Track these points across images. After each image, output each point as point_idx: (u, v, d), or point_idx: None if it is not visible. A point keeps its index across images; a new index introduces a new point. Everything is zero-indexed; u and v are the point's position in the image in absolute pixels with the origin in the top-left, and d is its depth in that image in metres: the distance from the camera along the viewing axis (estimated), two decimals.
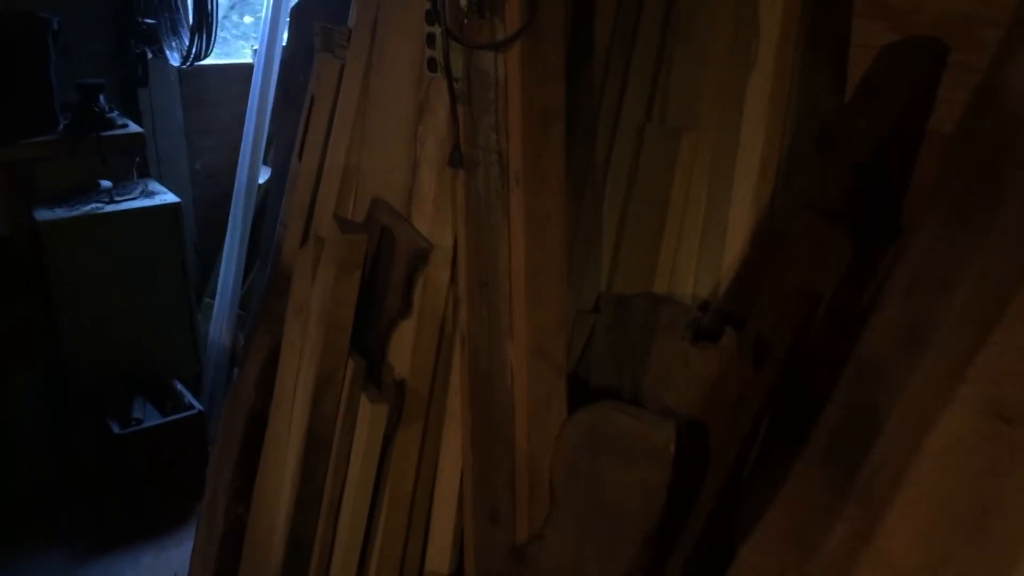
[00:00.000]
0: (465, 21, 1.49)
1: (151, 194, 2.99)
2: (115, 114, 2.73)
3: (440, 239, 1.73)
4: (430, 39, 1.55)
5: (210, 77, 3.38)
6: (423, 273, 1.74)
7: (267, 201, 3.26)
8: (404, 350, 1.77)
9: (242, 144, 3.16)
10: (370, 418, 1.74)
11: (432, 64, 1.56)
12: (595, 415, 1.55)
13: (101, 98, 2.66)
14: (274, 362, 2.01)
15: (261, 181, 3.22)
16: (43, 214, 2.78)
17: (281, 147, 2.86)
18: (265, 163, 3.26)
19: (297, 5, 2.83)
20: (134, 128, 2.77)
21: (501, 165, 1.50)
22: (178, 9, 3.11)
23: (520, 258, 1.50)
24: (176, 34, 3.09)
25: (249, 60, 3.50)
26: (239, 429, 2.06)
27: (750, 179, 1.70)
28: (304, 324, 1.87)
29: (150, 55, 3.03)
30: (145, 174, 3.27)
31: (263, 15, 3.15)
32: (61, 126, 2.66)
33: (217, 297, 3.14)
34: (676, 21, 1.75)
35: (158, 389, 2.93)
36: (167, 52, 3.08)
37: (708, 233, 1.76)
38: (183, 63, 2.99)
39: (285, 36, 3.13)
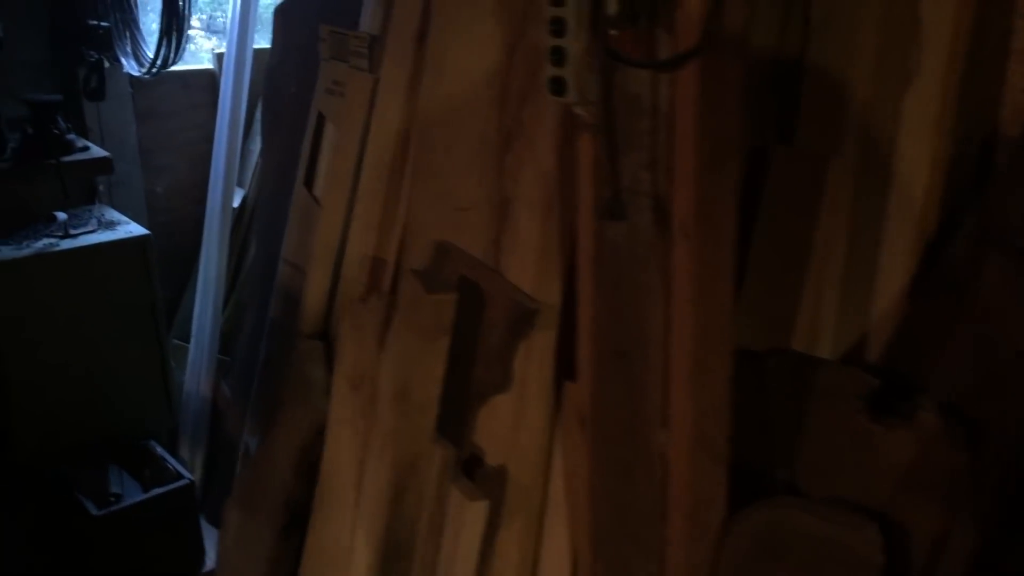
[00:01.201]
0: (612, 32, 1.17)
1: (111, 225, 2.57)
2: (72, 135, 2.30)
3: (546, 295, 1.42)
4: (557, 54, 1.23)
5: (164, 86, 2.95)
6: (527, 337, 1.42)
7: (248, 229, 2.87)
8: (501, 431, 1.45)
9: (212, 164, 2.76)
10: (466, 518, 1.41)
11: (559, 85, 1.24)
12: (773, 514, 1.27)
13: (58, 117, 2.23)
14: (317, 443, 1.66)
15: (235, 204, 2.83)
16: None
17: (270, 168, 2.48)
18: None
19: (284, 5, 2.45)
20: (98, 151, 2.35)
21: (657, 211, 1.20)
22: (131, 9, 2.68)
23: (685, 326, 1.20)
24: (131, 38, 2.66)
25: (208, 65, 3.09)
26: (270, 524, 1.71)
27: (909, 214, 1.43)
28: (367, 401, 1.52)
29: (107, 63, 2.60)
30: (92, 198, 2.84)
31: (229, 13, 2.75)
32: (8, 151, 2.23)
33: (192, 341, 2.73)
34: (812, 22, 1.47)
35: (132, 453, 2.52)
36: (122, 59, 2.65)
37: (850, 278, 1.48)
38: (148, 71, 2.56)
39: (255, 37, 2.74)
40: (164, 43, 2.44)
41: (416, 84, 1.76)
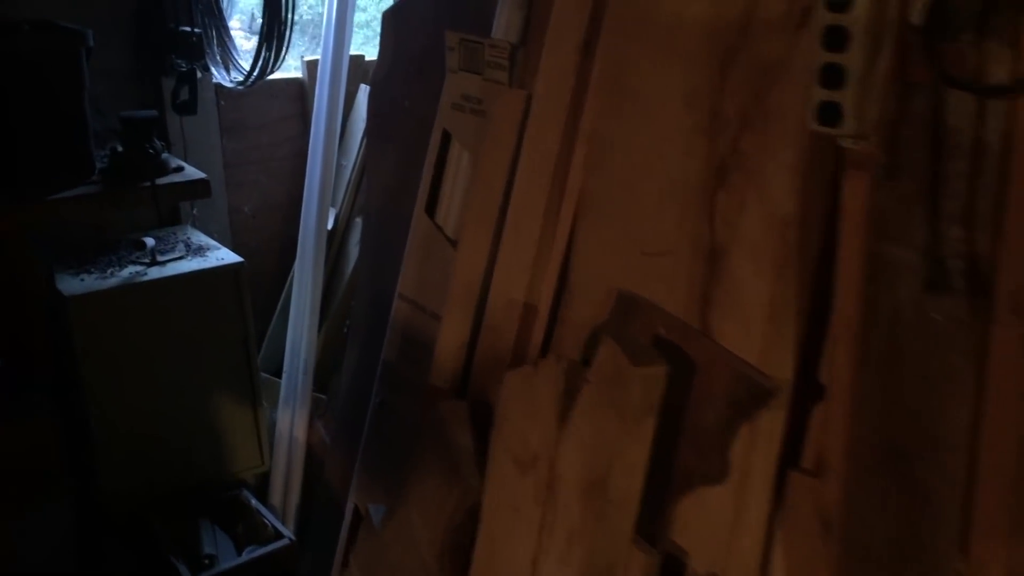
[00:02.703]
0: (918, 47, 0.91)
1: (200, 250, 2.35)
2: (167, 155, 2.07)
3: (777, 368, 1.15)
4: (832, 73, 0.96)
5: (250, 96, 2.73)
6: (752, 419, 1.15)
7: (340, 252, 2.64)
8: (714, 531, 1.18)
9: (307, 183, 2.53)
10: None
11: (832, 112, 0.97)
12: None
13: (154, 138, 2.00)
14: (467, 527, 1.41)
15: (329, 227, 2.59)
16: (68, 284, 2.12)
17: (377, 190, 2.24)
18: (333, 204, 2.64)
19: (395, 8, 2.21)
20: (194, 172, 2.11)
21: (972, 279, 0.93)
22: (221, 15, 2.46)
23: (1007, 430, 0.93)
24: (221, 45, 2.44)
25: (296, 74, 2.86)
26: None
27: None
28: (542, 487, 1.27)
29: (199, 75, 2.37)
30: (175, 219, 2.62)
31: (324, 15, 2.51)
32: (96, 171, 2.00)
33: (284, 376, 2.50)
34: None
35: (222, 502, 2.29)
36: (213, 69, 2.42)
37: None
38: (243, 82, 2.33)
39: (351, 42, 2.51)
40: (264, 50, 2.21)
41: (580, 102, 1.50)
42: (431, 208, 1.94)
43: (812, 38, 0.99)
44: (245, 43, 3.13)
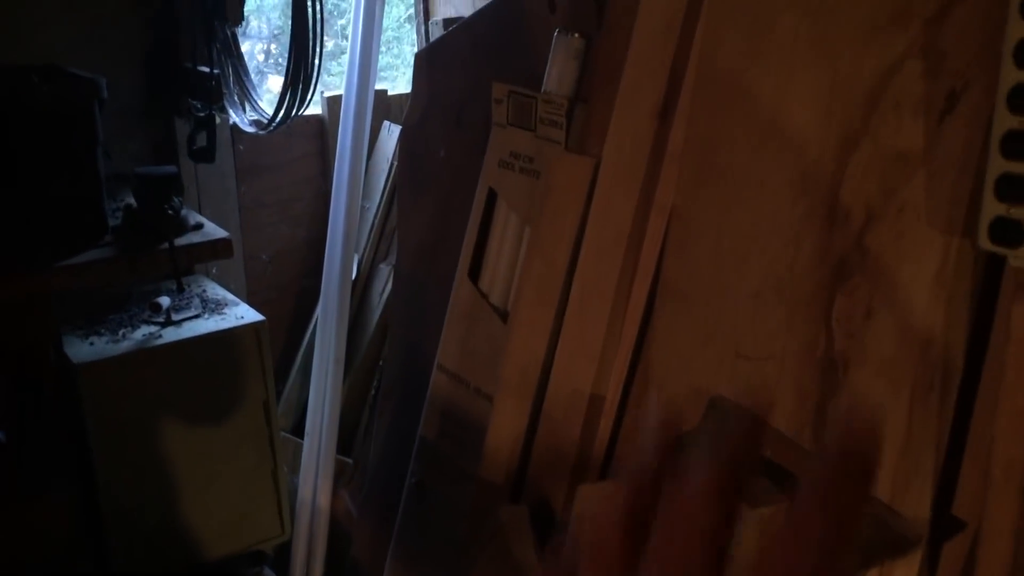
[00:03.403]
0: None
1: (217, 307, 2.19)
2: (186, 210, 1.91)
3: (913, 508, 0.99)
4: (1011, 187, 0.81)
5: (267, 136, 2.57)
6: (884, 566, 0.99)
7: (362, 303, 2.48)
8: None
9: (329, 232, 2.37)
10: None
11: (1012, 231, 0.81)
12: None
13: (173, 195, 1.84)
14: None
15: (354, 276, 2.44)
16: (77, 349, 1.96)
17: (410, 245, 2.08)
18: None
19: (429, 50, 2.05)
20: (214, 230, 1.95)
21: None
22: (240, 54, 2.30)
23: None
24: (240, 87, 2.28)
25: (316, 110, 2.70)
26: None
27: None
28: None
29: (217, 119, 2.21)
30: (190, 270, 2.45)
31: (348, 52, 2.36)
32: (110, 230, 1.84)
33: (307, 440, 2.34)
34: None
35: None
36: (232, 112, 2.26)
37: None
38: (266, 128, 2.17)
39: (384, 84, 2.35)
40: (289, 94, 2.05)
41: (656, 173, 1.34)
42: (474, 273, 1.78)
43: (964, 132, 0.83)
44: (258, 56, 2.97)
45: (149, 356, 1.98)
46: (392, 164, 2.57)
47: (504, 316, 1.65)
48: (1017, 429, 0.88)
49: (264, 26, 2.95)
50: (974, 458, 0.98)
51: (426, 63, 2.04)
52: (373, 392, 2.36)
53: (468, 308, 1.76)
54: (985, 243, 0.84)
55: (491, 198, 1.76)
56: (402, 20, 3.09)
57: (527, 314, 1.50)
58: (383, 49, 3.21)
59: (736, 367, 1.17)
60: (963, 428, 0.99)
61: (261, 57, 3.00)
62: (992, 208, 0.82)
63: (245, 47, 2.83)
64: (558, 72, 1.64)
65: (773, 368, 1.12)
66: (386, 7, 2.38)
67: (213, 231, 1.91)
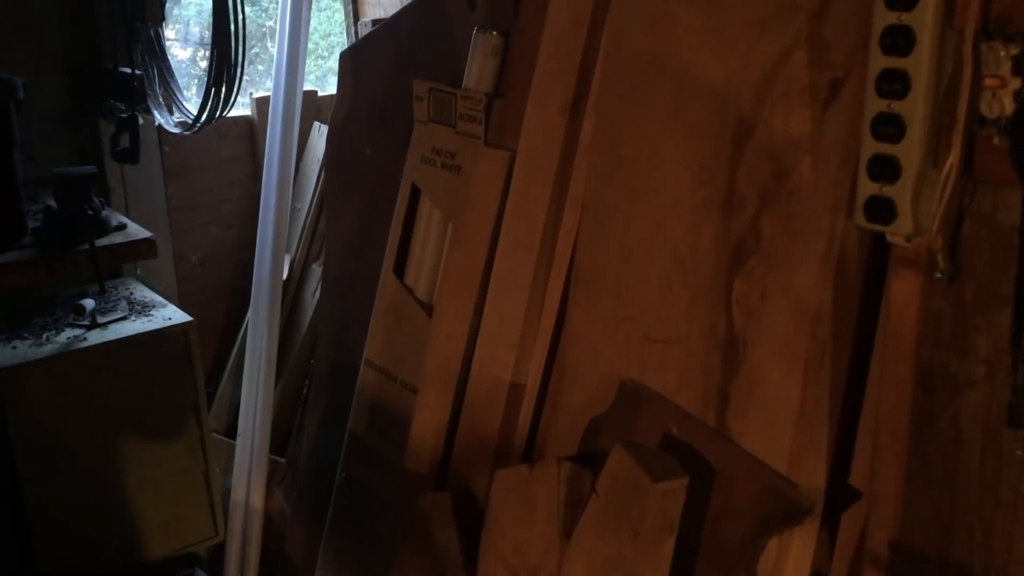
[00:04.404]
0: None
1: (144, 308, 2.17)
2: (107, 211, 1.90)
3: (808, 477, 1.04)
4: (884, 166, 0.85)
5: (195, 137, 2.55)
6: (782, 534, 1.04)
7: (294, 304, 2.48)
8: None
9: (259, 232, 2.37)
10: None
11: (883, 209, 0.86)
12: None
13: (93, 195, 1.82)
14: None
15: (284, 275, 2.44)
16: None
17: (337, 243, 2.09)
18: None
19: (353, 49, 2.07)
20: (137, 230, 1.94)
21: None
22: (164, 55, 2.29)
23: None
24: (165, 88, 2.27)
25: (244, 111, 2.69)
26: None
27: None
28: None
29: (141, 120, 2.20)
30: (116, 272, 2.43)
31: (276, 52, 2.37)
32: (29, 232, 1.82)
33: (239, 440, 2.33)
34: None
35: None
36: (156, 113, 2.25)
37: None
38: (191, 127, 2.17)
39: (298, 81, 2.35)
40: (212, 94, 2.05)
41: (569, 166, 1.38)
42: (400, 268, 1.80)
43: (847, 118, 0.88)
44: (181, 52, 2.94)
45: (74, 359, 1.96)
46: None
47: (429, 310, 1.67)
48: (900, 397, 0.93)
49: (206, 32, 2.92)
50: (867, 430, 1.02)
51: (351, 62, 2.05)
52: (305, 391, 2.36)
53: (393, 303, 1.78)
54: (862, 221, 0.89)
55: (415, 194, 1.79)
56: (342, 24, 3.09)
57: (449, 306, 1.53)
58: (325, 53, 3.22)
59: (645, 351, 1.21)
60: (858, 402, 1.04)
61: (203, 64, 2.97)
62: (866, 188, 0.87)
63: (184, 53, 2.82)
64: (477, 69, 1.66)
65: (679, 350, 1.16)
66: (327, 12, 2.38)
67: (136, 232, 1.91)
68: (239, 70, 2.05)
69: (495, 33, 1.63)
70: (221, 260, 2.69)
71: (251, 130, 2.68)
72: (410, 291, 1.76)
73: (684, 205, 1.17)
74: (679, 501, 1.01)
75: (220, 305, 2.70)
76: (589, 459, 1.16)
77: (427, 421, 1.53)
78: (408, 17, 1.93)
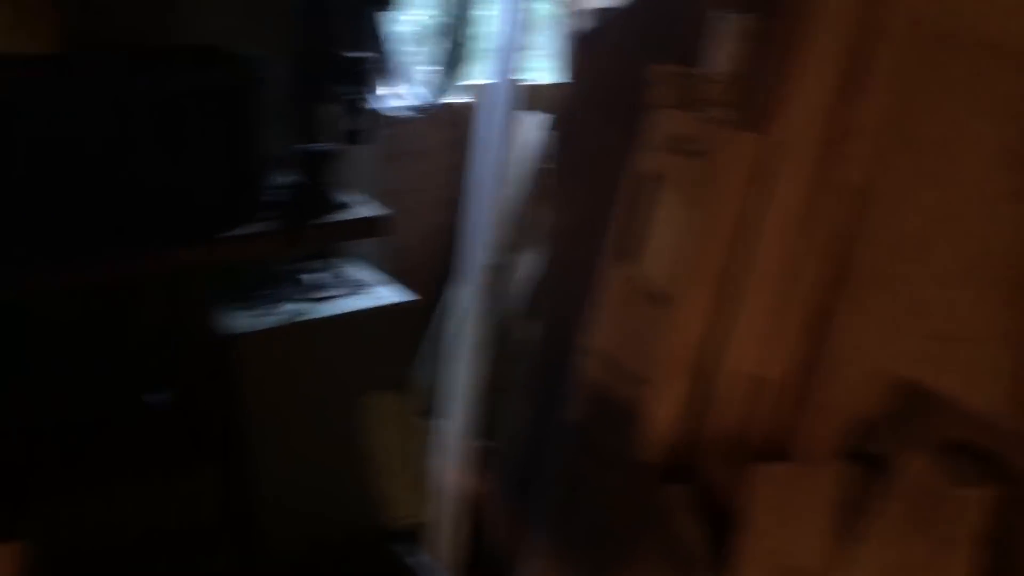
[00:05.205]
0: None
1: (363, 286, 2.23)
2: (339, 190, 1.96)
3: None
4: None
5: (412, 123, 2.60)
6: None
7: (499, 290, 2.48)
8: None
9: (470, 216, 2.39)
10: None
11: None
12: None
13: (329, 175, 1.88)
14: None
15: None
16: (233, 320, 2.03)
17: (563, 231, 2.08)
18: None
19: (585, 36, 2.04)
20: (368, 209, 1.99)
21: None
22: (392, 39, 2.33)
23: None
24: (391, 70, 2.31)
25: (460, 98, 2.71)
26: None
27: None
28: None
29: (368, 104, 2.25)
30: (335, 250, 2.50)
31: (494, 39, 2.37)
32: (265, 207, 1.89)
33: (448, 423, 2.36)
34: None
35: (378, 559, 2.16)
36: (381, 97, 2.30)
37: None
38: (415, 113, 2.20)
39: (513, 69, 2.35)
40: (438, 81, 2.07)
41: (837, 151, 1.30)
42: (628, 256, 1.76)
43: None
44: (407, 38, 2.97)
45: (300, 330, 2.03)
46: (534, 152, 2.56)
47: (660, 299, 1.62)
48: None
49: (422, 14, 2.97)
50: None
51: (585, 47, 2.03)
52: (513, 376, 2.36)
53: (621, 292, 1.74)
54: None
55: (647, 180, 1.74)
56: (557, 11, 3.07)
57: (689, 296, 1.48)
58: (539, 39, 3.22)
59: (928, 349, 1.12)
60: None
61: (413, 45, 3.03)
62: None
63: (400, 33, 2.87)
64: (725, 51, 1.60)
65: (967, 349, 1.07)
66: None
67: (365, 210, 1.95)
68: (465, 53, 2.07)
69: (742, 13, 1.57)
70: (432, 243, 2.74)
71: (465, 117, 2.71)
72: (639, 279, 1.71)
73: (982, 192, 1.07)
74: (986, 509, 0.92)
75: (427, 287, 2.74)
76: (863, 460, 1.08)
77: (662, 413, 1.49)
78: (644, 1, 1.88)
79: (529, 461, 2.00)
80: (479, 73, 2.77)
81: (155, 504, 1.91)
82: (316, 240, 1.92)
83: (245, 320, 2.03)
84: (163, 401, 1.94)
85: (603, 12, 2.39)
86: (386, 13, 2.35)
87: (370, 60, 2.30)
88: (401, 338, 2.21)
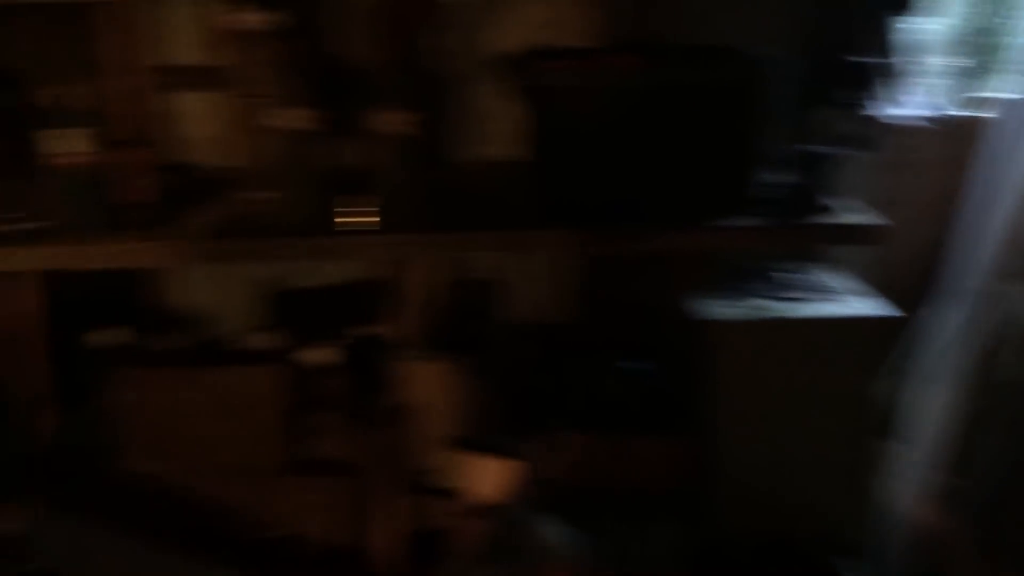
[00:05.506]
0: None
1: (831, 293, 2.20)
2: (827, 194, 1.97)
3: None
4: None
5: (916, 133, 2.48)
6: None
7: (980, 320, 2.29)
8: None
9: (968, 238, 2.23)
10: None
11: None
12: None
13: (822, 178, 1.90)
14: None
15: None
16: (711, 308, 2.12)
17: None
18: None
19: None
20: (854, 216, 1.98)
21: None
22: (900, 45, 2.25)
23: None
24: (897, 77, 2.23)
25: (970, 111, 2.53)
26: None
27: None
28: None
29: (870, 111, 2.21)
30: (816, 255, 2.48)
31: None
32: (753, 204, 1.95)
33: (910, 448, 2.25)
34: None
35: (814, 566, 2.13)
36: (887, 105, 2.23)
37: None
38: (931, 119, 2.11)
39: None
40: (962, 87, 1.96)
41: None
42: None
43: None
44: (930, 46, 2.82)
45: (774, 327, 2.07)
46: None
47: None
48: None
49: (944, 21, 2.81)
50: None
51: None
52: (995, 413, 2.17)
53: None
54: None
55: None
56: None
57: None
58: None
59: None
60: None
61: (930, 52, 2.87)
62: None
63: (917, 39, 2.76)
64: None
65: None
66: None
67: (856, 217, 1.94)
68: (988, 67, 1.93)
69: None
70: (916, 259, 2.60)
71: (975, 132, 2.52)
72: None
73: None
74: None
75: (906, 304, 2.62)
76: None
77: None
78: None
79: (1004, 504, 1.84)
80: (1003, 87, 2.56)
81: (623, 456, 2.12)
82: (802, 240, 1.94)
83: (719, 308, 2.11)
84: (641, 370, 2.11)
85: None
86: (903, 18, 2.28)
87: (879, 65, 2.25)
88: (872, 353, 2.14)
